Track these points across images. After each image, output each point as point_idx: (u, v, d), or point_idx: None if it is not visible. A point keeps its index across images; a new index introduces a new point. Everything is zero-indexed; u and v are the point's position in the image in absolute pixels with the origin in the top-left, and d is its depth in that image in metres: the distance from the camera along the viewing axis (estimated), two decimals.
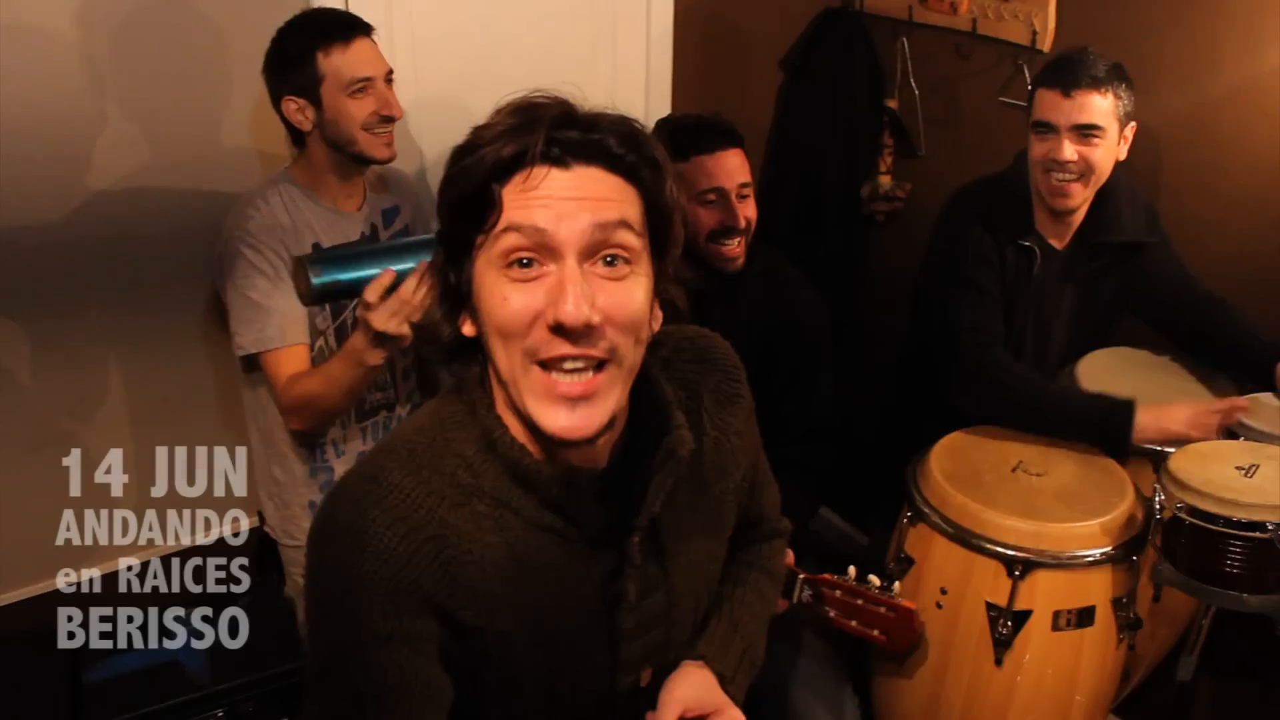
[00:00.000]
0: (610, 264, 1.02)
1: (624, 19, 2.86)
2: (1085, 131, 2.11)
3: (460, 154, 1.05)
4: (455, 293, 1.09)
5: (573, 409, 1.02)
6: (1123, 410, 2.04)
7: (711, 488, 1.28)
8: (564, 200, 1.00)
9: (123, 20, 2.17)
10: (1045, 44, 2.66)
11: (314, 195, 2.11)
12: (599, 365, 1.03)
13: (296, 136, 2.10)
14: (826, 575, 1.89)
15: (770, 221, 3.19)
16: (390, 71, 2.08)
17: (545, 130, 1.00)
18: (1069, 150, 2.12)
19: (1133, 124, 2.17)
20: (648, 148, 1.05)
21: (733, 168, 2.12)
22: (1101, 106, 2.11)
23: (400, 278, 1.68)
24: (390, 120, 2.06)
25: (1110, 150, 2.16)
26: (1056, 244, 2.27)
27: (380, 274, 1.69)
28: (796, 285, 2.28)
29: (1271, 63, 2.32)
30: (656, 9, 2.88)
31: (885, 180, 3.13)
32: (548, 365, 1.02)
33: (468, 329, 1.10)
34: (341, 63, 2.00)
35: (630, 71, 2.93)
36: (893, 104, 3.06)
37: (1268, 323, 2.27)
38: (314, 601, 1.11)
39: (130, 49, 2.19)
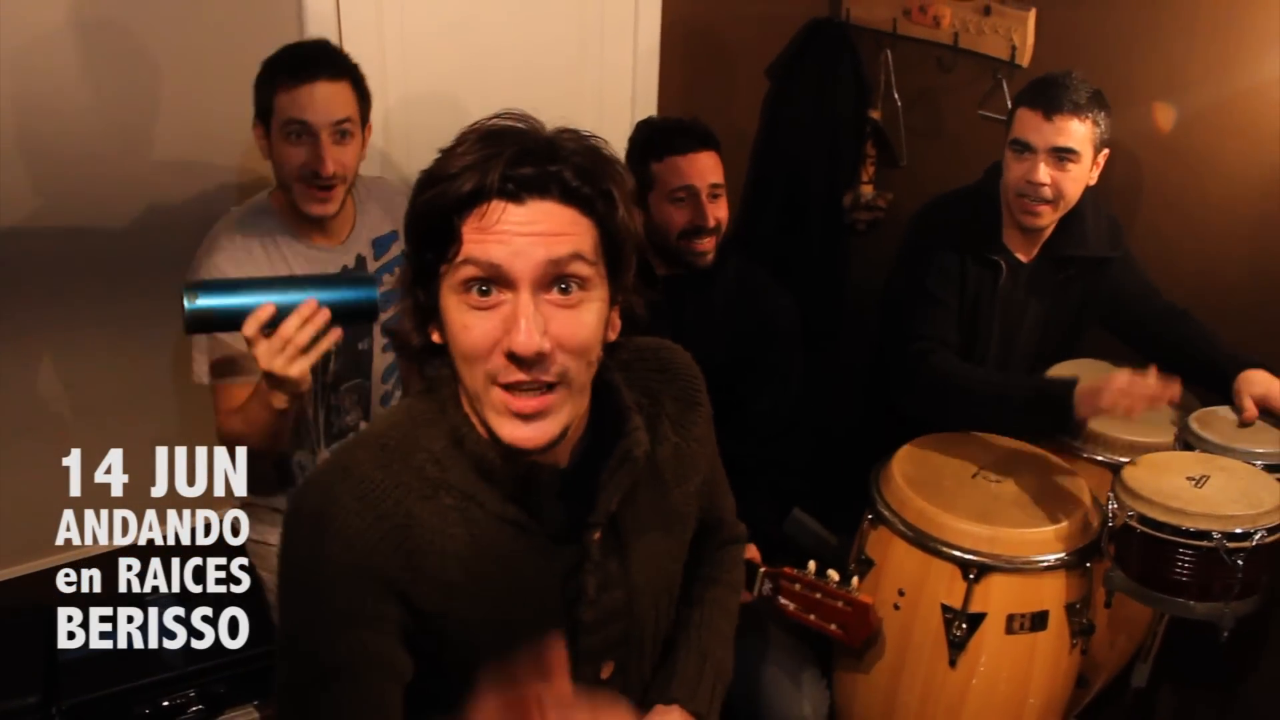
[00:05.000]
0: (565, 292, 1.08)
1: (611, 26, 2.90)
2: (1062, 155, 2.15)
3: (424, 185, 1.10)
4: (424, 308, 1.15)
5: (527, 422, 1.10)
6: (1062, 387, 2.07)
7: (672, 491, 1.34)
8: (518, 236, 1.05)
9: (114, 21, 2.22)
10: (1024, 59, 2.72)
11: (290, 227, 2.03)
12: (550, 386, 1.10)
13: None
14: (786, 569, 1.93)
15: (753, 227, 3.27)
16: (343, 121, 1.93)
17: (501, 167, 1.04)
18: (1043, 173, 2.16)
19: (1106, 150, 2.21)
20: (603, 179, 1.10)
21: (704, 168, 2.18)
22: (1079, 132, 2.15)
23: (284, 313, 1.59)
24: (320, 176, 1.92)
25: (1083, 175, 2.20)
26: (1023, 257, 2.31)
27: (258, 309, 1.58)
28: (769, 288, 2.34)
29: (1241, 83, 2.37)
30: (644, 18, 2.93)
31: (867, 190, 3.19)
32: (506, 386, 1.09)
33: (436, 338, 1.16)
34: (286, 100, 1.90)
35: (617, 78, 2.97)
36: (876, 115, 3.11)
37: (1237, 336, 2.30)
38: (284, 580, 1.17)
39: (119, 50, 2.25)
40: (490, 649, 1.18)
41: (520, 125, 1.10)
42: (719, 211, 2.21)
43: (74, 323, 2.37)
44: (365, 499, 1.11)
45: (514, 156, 1.05)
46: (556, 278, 1.07)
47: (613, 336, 1.18)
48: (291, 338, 1.57)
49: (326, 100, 1.90)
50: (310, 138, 1.90)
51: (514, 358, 1.06)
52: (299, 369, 1.60)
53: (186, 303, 1.59)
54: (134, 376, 2.47)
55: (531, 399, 1.09)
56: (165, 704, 2.09)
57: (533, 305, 1.06)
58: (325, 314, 1.60)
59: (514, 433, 1.10)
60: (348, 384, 2.14)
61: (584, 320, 1.10)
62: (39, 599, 1.70)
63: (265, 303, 1.58)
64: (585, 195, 1.08)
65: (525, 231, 1.05)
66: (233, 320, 1.60)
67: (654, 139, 2.22)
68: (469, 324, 1.08)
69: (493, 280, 1.06)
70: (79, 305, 2.35)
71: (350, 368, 2.12)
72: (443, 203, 1.06)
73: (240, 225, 2.00)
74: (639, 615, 1.31)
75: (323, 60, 1.93)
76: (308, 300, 1.59)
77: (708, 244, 2.21)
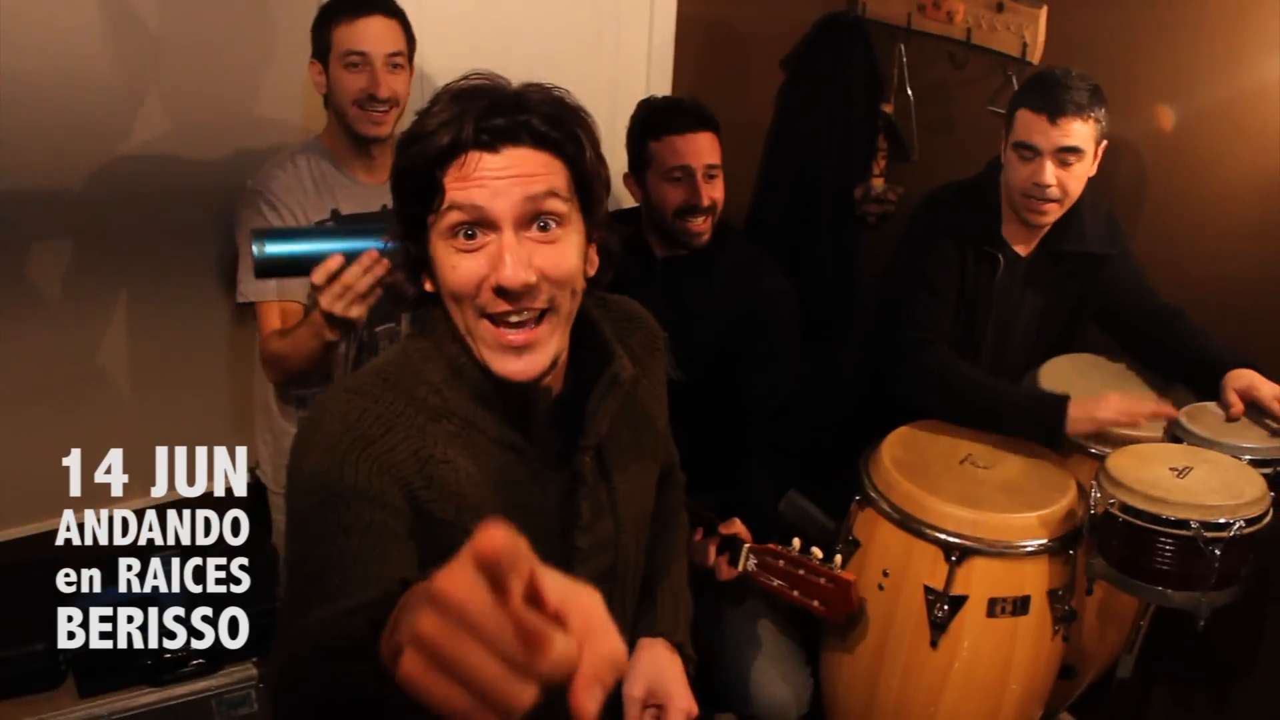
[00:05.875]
0: (544, 228, 1.17)
1: (627, 16, 2.96)
2: (1067, 153, 2.17)
3: (405, 144, 1.20)
4: (415, 260, 1.24)
5: (519, 355, 1.19)
6: (1055, 404, 2.11)
7: (645, 429, 1.44)
8: (496, 180, 1.14)
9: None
10: (1035, 56, 2.73)
11: (339, 164, 2.22)
12: (540, 316, 1.18)
13: (325, 100, 2.22)
14: (771, 545, 1.98)
15: (765, 218, 3.30)
16: (395, 54, 2.15)
17: (474, 120, 1.14)
18: (1050, 174, 2.18)
19: (1105, 142, 2.23)
20: (568, 123, 1.19)
21: (701, 148, 2.23)
22: (1083, 131, 2.16)
23: (349, 261, 1.69)
24: (376, 100, 2.12)
25: (1086, 170, 2.22)
26: (1021, 251, 2.34)
27: (328, 259, 1.68)
28: (767, 270, 2.38)
29: (1249, 82, 2.37)
30: (659, 8, 2.99)
31: (878, 183, 3.20)
32: (496, 319, 1.18)
33: (429, 286, 1.25)
34: (344, 35, 2.11)
35: (632, 67, 3.03)
36: (888, 108, 3.12)
37: (1239, 336, 2.31)
38: (299, 466, 1.20)
39: (172, 13, 2.34)
40: None
41: (487, 82, 1.19)
42: (714, 192, 2.25)
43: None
44: (381, 416, 1.19)
45: (485, 110, 1.14)
46: (535, 215, 1.16)
47: (591, 272, 1.26)
48: (354, 285, 1.68)
49: (382, 33, 2.12)
50: (367, 66, 2.11)
51: (502, 291, 1.14)
52: (358, 312, 1.72)
53: (255, 250, 1.69)
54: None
55: (521, 333, 1.17)
56: (168, 656, 2.16)
57: (516, 241, 1.15)
58: (385, 263, 1.68)
59: (506, 366, 1.19)
60: (381, 326, 2.27)
61: (564, 253, 1.18)
62: (44, 552, 1.76)
63: (334, 253, 1.68)
64: (554, 139, 1.17)
65: (502, 175, 1.14)
66: (299, 267, 1.70)
67: (652, 118, 2.27)
68: (457, 264, 1.17)
69: (477, 223, 1.15)
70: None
71: (385, 311, 2.22)
72: (424, 158, 1.15)
73: (293, 157, 2.20)
74: (624, 545, 1.38)
75: (378, 1, 2.14)
76: (369, 251, 1.69)
77: (703, 224, 2.25)
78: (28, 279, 2.39)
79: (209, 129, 2.47)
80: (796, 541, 1.95)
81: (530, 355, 1.18)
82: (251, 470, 2.47)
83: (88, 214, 2.39)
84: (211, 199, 2.47)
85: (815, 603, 1.93)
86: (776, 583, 1.95)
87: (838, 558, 1.94)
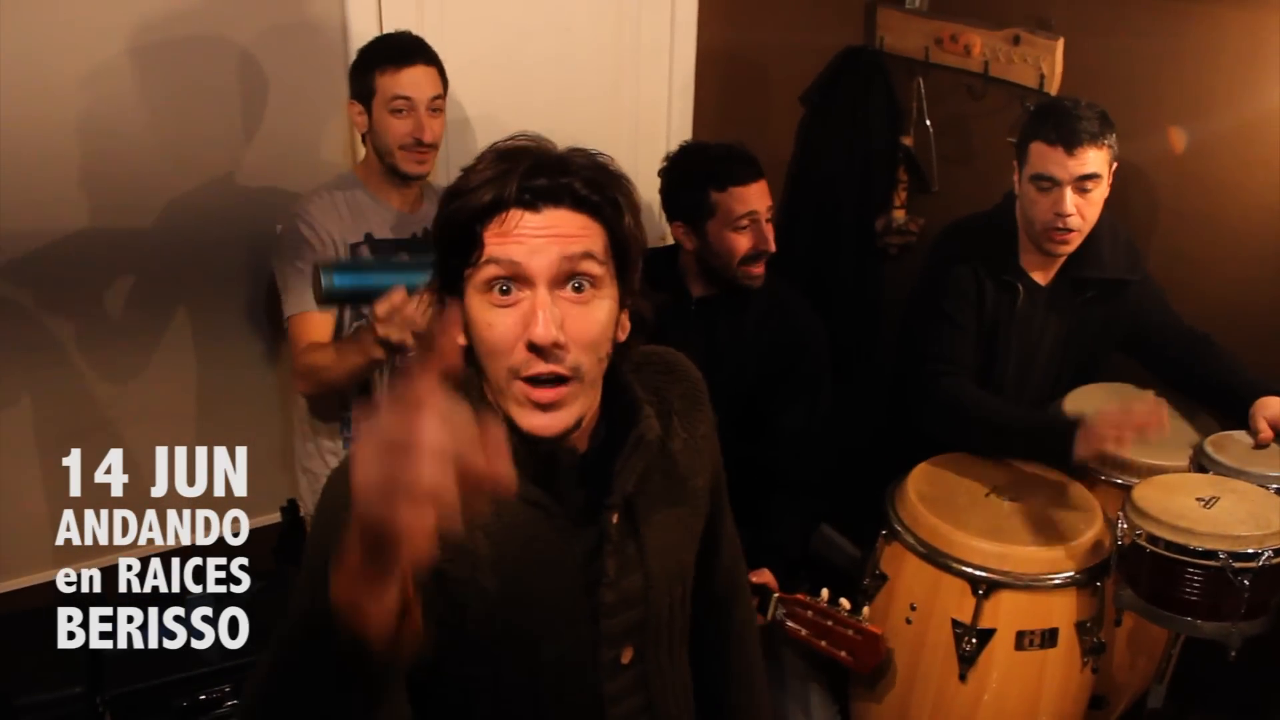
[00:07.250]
0: (578, 290, 1.19)
1: (648, 53, 2.99)
2: (1086, 180, 2.19)
3: (449, 198, 1.22)
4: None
5: (545, 411, 1.20)
6: (1064, 429, 2.09)
7: (683, 484, 1.43)
8: (535, 238, 1.16)
9: (168, 44, 2.38)
10: (1052, 88, 2.75)
11: (373, 194, 2.32)
12: (565, 379, 1.19)
13: (364, 137, 2.33)
14: (800, 596, 2.00)
15: (787, 251, 3.31)
16: (436, 98, 2.26)
17: (518, 180, 1.16)
18: (1070, 203, 2.19)
19: (1115, 163, 2.25)
20: (609, 188, 1.21)
21: (762, 194, 2.28)
22: (1098, 158, 2.19)
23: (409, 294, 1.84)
24: (421, 143, 2.25)
25: (1102, 195, 2.23)
26: (1040, 279, 2.35)
27: (391, 290, 1.84)
28: (799, 307, 2.41)
29: (1264, 108, 2.39)
30: (679, 45, 3.02)
31: (899, 215, 3.23)
32: (527, 380, 1.19)
33: (461, 340, 1.26)
34: (389, 82, 2.22)
35: (653, 104, 3.06)
36: (908, 141, 3.16)
37: (1257, 361, 2.32)
38: (317, 524, 1.24)
39: (173, 73, 2.40)
40: (510, 626, 1.26)
41: (533, 144, 1.21)
42: (771, 234, 2.29)
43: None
44: None
45: (529, 170, 1.16)
46: (570, 275, 1.17)
47: (622, 337, 1.27)
48: (412, 315, 1.85)
49: (424, 79, 2.25)
50: (412, 112, 2.23)
51: (533, 348, 1.16)
52: (411, 338, 1.86)
53: (324, 281, 1.84)
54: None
55: (549, 390, 1.18)
56: (202, 698, 2.18)
57: (550, 300, 1.16)
58: None
59: (532, 421, 1.20)
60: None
61: (595, 316, 1.20)
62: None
63: (397, 285, 1.85)
64: (594, 202, 1.19)
65: (541, 234, 1.16)
66: (363, 298, 1.87)
67: (715, 170, 2.27)
68: (492, 321, 1.18)
69: (512, 279, 1.17)
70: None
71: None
72: (466, 212, 1.18)
73: (328, 187, 2.33)
74: (655, 601, 1.37)
75: (419, 49, 2.28)
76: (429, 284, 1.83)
77: (762, 266, 2.29)
78: (56, 327, 2.45)
79: (236, 178, 2.54)
80: (825, 592, 1.97)
81: (556, 412, 1.19)
82: (285, 508, 2.52)
83: (125, 259, 2.46)
84: (245, 243, 2.54)
85: (843, 653, 1.95)
86: (804, 632, 1.97)
87: (865, 609, 1.95)
